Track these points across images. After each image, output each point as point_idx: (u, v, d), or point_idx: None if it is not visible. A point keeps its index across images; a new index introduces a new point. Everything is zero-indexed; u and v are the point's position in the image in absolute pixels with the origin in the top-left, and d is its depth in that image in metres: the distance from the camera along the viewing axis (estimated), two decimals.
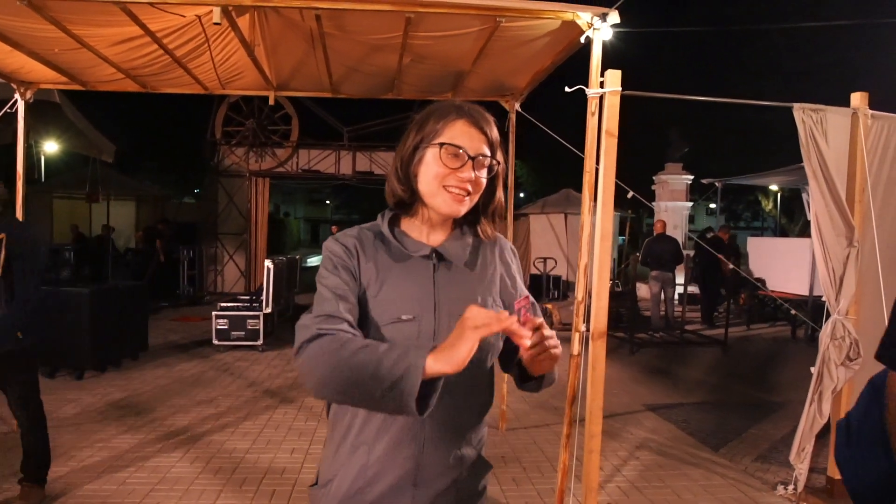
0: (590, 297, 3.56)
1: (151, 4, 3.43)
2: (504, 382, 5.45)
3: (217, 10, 3.37)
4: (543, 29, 3.74)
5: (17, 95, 4.90)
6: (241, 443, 5.03)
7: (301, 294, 13.62)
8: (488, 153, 1.38)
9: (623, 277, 14.34)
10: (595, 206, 3.52)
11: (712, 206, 21.60)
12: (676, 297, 11.51)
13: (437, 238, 1.44)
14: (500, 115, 5.92)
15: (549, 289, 15.27)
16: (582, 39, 3.53)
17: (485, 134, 1.38)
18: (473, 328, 1.12)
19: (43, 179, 15.83)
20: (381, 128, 15.78)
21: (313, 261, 26.92)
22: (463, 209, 1.38)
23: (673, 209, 15.24)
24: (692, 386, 7.34)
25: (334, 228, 15.11)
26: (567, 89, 3.72)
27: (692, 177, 15.39)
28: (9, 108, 4.91)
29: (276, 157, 15.48)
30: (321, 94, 5.46)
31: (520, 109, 5.30)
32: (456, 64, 4.54)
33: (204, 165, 15.94)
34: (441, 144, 1.35)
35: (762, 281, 12.01)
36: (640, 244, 12.86)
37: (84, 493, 4.05)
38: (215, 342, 8.64)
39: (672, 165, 15.63)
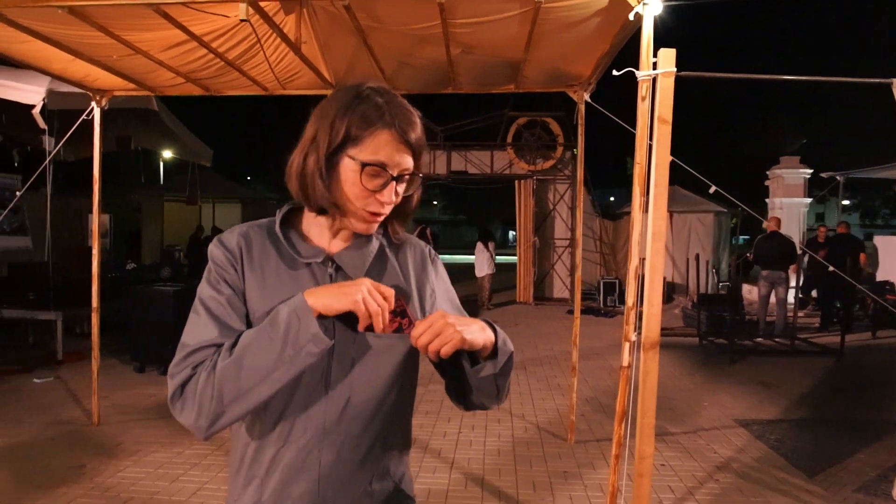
0: (642, 301, 3.21)
1: (184, 4, 3.40)
2: (573, 392, 5.12)
3: (243, 7, 3.30)
4: (590, 8, 3.42)
5: (93, 103, 5.08)
6: None
7: None
8: (413, 166, 1.22)
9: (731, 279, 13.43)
10: (647, 202, 3.17)
11: (845, 202, 19.87)
12: (791, 299, 10.58)
13: (338, 244, 1.28)
14: (570, 107, 5.58)
15: None
16: (631, 16, 3.19)
17: (409, 145, 1.20)
18: (353, 293, 1.13)
19: (161, 182, 16.87)
20: (476, 126, 15.60)
21: None
22: (377, 225, 1.26)
23: (789, 206, 14.11)
24: (794, 401, 6.64)
25: (426, 231, 15.05)
26: (615, 72, 3.38)
27: (811, 171, 14.18)
28: (85, 115, 5.12)
29: None
30: None
31: (589, 100, 4.94)
32: (507, 53, 4.27)
33: None
34: (363, 165, 1.17)
35: (891, 284, 10.83)
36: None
37: (138, 487, 4.12)
38: None
39: (788, 159, 14.48)
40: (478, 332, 1.18)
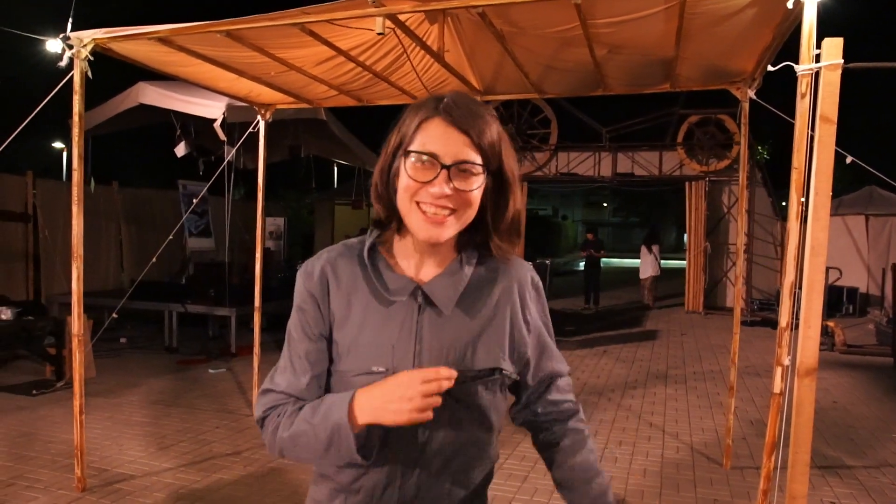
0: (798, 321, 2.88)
1: (327, 21, 3.56)
2: (730, 413, 4.73)
3: (379, 21, 3.39)
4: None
5: (259, 117, 5.49)
6: None
7: (553, 299, 13.54)
8: (474, 159, 1.11)
9: None
10: (805, 210, 2.84)
11: None
12: None
13: (429, 270, 1.21)
14: (733, 105, 5.16)
15: (843, 303, 13.14)
16: (789, 4, 2.87)
17: (468, 135, 1.10)
18: (404, 407, 1.06)
19: (335, 186, 17.94)
20: (642, 126, 14.99)
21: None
22: (444, 233, 1.13)
23: None
24: None
25: (589, 235, 14.69)
26: (770, 67, 3.07)
27: None
28: (252, 127, 5.54)
29: (536, 161, 15.56)
30: (526, 96, 5.27)
31: (754, 97, 4.54)
32: (657, 51, 4.03)
33: None
34: (408, 153, 1.12)
35: None
36: None
37: (288, 477, 4.38)
38: None
39: None
40: None
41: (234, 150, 6.50)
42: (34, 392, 6.36)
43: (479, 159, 1.11)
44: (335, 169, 17.36)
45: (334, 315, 1.20)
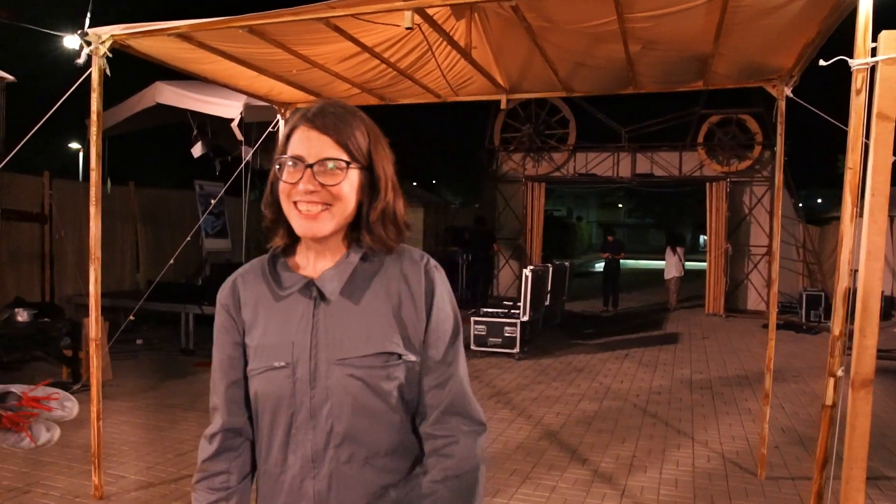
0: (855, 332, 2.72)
1: (353, 16, 3.44)
2: (765, 422, 4.57)
3: (408, 15, 3.26)
4: None
5: (278, 116, 5.39)
6: None
7: (572, 301, 13.38)
8: (338, 156, 1.20)
9: None
10: (860, 212, 2.69)
11: None
12: None
13: (323, 266, 1.29)
14: (770, 102, 5.00)
15: None
16: None
17: (330, 135, 1.20)
18: None
19: None
20: (662, 126, 14.78)
21: (601, 265, 26.40)
22: (320, 226, 1.21)
23: None
24: None
25: (609, 237, 14.49)
26: (822, 62, 2.91)
27: None
28: (272, 127, 5.44)
29: (553, 161, 15.40)
30: (554, 94, 5.13)
31: (791, 94, 4.38)
32: (694, 46, 3.88)
33: (483, 172, 16.50)
34: (279, 159, 1.24)
35: None
36: None
37: None
38: (473, 347, 8.77)
39: None
40: None
41: (251, 151, 6.41)
42: None
43: (343, 156, 1.19)
44: None
45: (245, 322, 1.30)
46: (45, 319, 6.81)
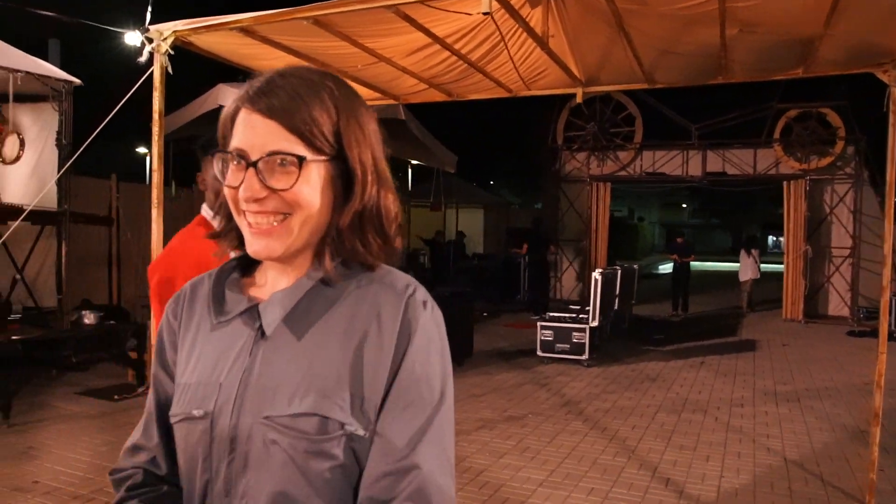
0: None
1: (424, 2, 3.20)
2: (875, 444, 4.12)
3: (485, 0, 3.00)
4: None
5: None
6: (537, 472, 4.61)
7: (639, 305, 12.90)
8: (290, 148, 0.87)
9: None
10: None
11: None
12: None
13: (283, 286, 0.96)
14: (854, 94, 4.52)
15: None
16: None
17: (277, 118, 0.87)
18: None
19: (410, 188, 17.79)
20: (735, 122, 14.11)
21: (664, 268, 25.62)
22: (276, 245, 0.90)
23: None
24: None
25: (678, 239, 13.93)
26: None
27: None
28: None
29: (619, 160, 14.91)
30: (634, 86, 4.79)
31: None
32: (800, 28, 3.49)
33: (546, 172, 16.12)
34: (216, 155, 0.93)
35: None
36: None
37: None
38: (539, 353, 8.45)
39: None
40: None
41: None
42: (116, 397, 6.31)
43: (297, 147, 0.88)
44: (409, 170, 17.18)
45: (181, 345, 1.02)
46: (112, 322, 6.83)
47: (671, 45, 3.94)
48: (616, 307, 9.95)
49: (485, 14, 3.03)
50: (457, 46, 4.08)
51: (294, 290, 0.92)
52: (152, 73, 3.62)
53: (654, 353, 9.32)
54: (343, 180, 0.91)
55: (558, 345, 8.38)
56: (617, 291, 9.88)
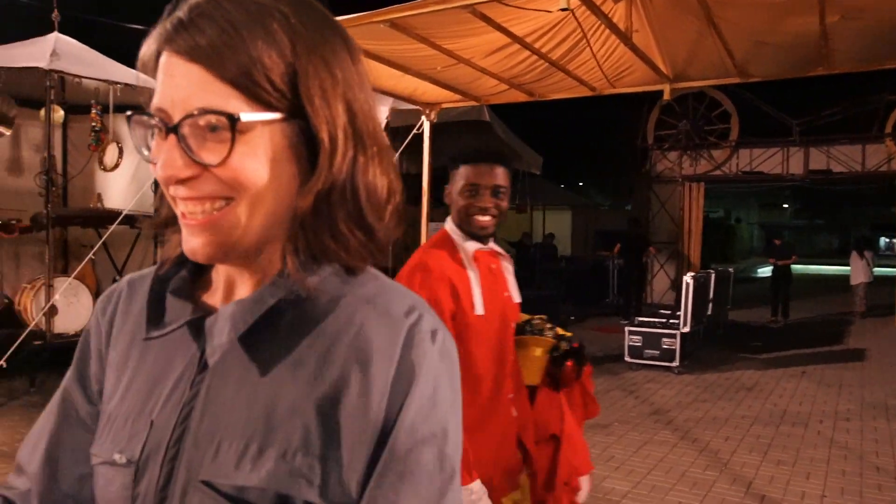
0: None
1: (501, 1, 3.15)
2: None
3: None
4: None
5: (423, 117, 5.23)
6: (621, 483, 4.45)
7: (735, 310, 12.34)
8: (221, 104, 0.60)
9: None
10: None
11: None
12: None
13: (242, 292, 0.70)
14: None
15: None
16: None
17: (202, 62, 0.60)
18: None
19: None
20: (840, 116, 13.27)
21: (763, 271, 24.43)
22: (217, 242, 0.64)
23: None
24: None
25: (776, 241, 13.24)
26: None
27: None
28: (416, 129, 5.30)
29: (713, 159, 14.32)
30: (726, 81, 4.56)
31: None
32: None
33: (635, 172, 15.69)
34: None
35: None
36: None
37: None
38: (627, 359, 8.21)
39: None
40: None
41: (396, 155, 6.32)
42: None
43: (232, 102, 0.61)
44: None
45: (109, 358, 0.76)
46: None
47: (765, 36, 3.71)
48: (710, 312, 9.58)
49: (563, 10, 2.95)
50: (537, 45, 4.00)
51: (252, 304, 0.66)
52: None
53: (751, 361, 8.87)
54: (310, 147, 0.65)
55: (647, 351, 8.11)
56: (711, 296, 9.50)
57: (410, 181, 11.24)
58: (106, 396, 0.75)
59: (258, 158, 0.62)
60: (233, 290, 0.71)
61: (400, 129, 6.85)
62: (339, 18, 2.79)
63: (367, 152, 0.68)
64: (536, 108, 6.27)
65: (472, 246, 1.90)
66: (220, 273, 0.72)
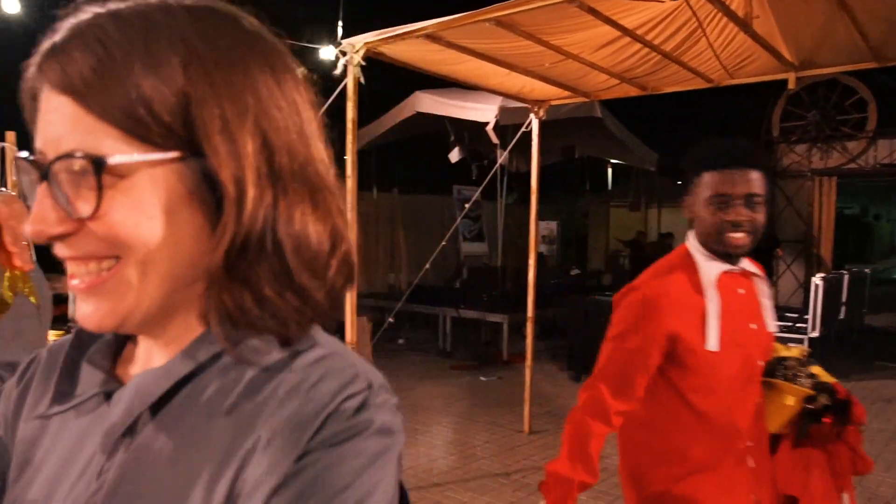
0: None
1: None
2: None
3: None
4: None
5: (531, 115, 5.18)
6: None
7: (873, 315, 11.44)
8: (93, 146, 0.51)
9: None
10: None
11: None
12: None
13: (161, 360, 0.60)
14: None
15: None
16: None
17: (74, 95, 0.51)
18: None
19: (609, 188, 17.38)
20: None
21: None
22: (109, 309, 0.55)
23: None
24: None
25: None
26: None
27: None
28: (525, 127, 5.26)
29: (847, 151, 13.30)
30: (859, 66, 4.20)
31: None
32: None
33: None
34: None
35: None
36: None
37: None
38: None
39: None
40: None
41: (506, 153, 6.30)
42: None
43: (106, 143, 0.51)
44: (608, 169, 16.75)
45: (20, 430, 0.66)
46: None
47: None
48: (842, 316, 8.92)
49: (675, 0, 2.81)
50: (649, 37, 3.86)
51: (160, 377, 0.56)
52: (345, 84, 3.83)
53: (891, 370, 8.17)
54: (211, 191, 0.54)
55: None
56: (844, 299, 8.85)
57: (521, 179, 11.22)
58: (12, 473, 0.65)
59: (143, 209, 0.52)
60: (150, 359, 0.61)
61: (509, 127, 6.84)
62: (446, 19, 2.75)
63: (291, 196, 0.55)
64: (650, 102, 6.05)
65: (715, 269, 1.64)
66: (140, 339, 0.63)
